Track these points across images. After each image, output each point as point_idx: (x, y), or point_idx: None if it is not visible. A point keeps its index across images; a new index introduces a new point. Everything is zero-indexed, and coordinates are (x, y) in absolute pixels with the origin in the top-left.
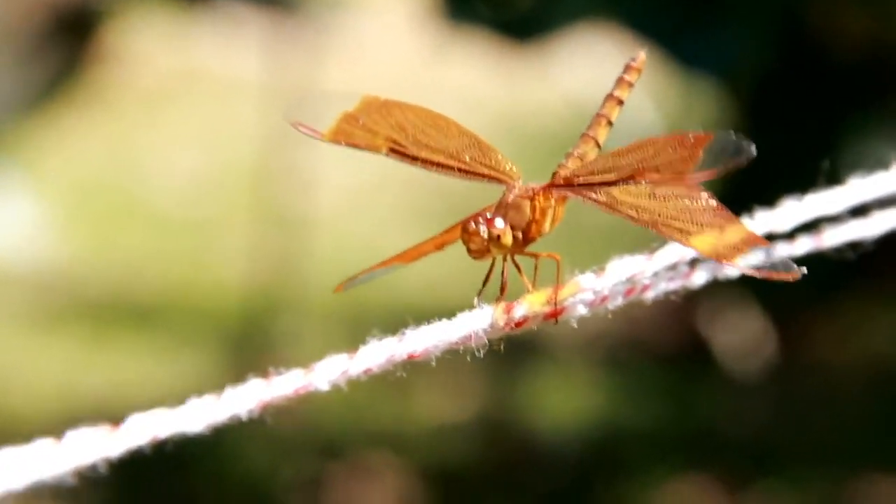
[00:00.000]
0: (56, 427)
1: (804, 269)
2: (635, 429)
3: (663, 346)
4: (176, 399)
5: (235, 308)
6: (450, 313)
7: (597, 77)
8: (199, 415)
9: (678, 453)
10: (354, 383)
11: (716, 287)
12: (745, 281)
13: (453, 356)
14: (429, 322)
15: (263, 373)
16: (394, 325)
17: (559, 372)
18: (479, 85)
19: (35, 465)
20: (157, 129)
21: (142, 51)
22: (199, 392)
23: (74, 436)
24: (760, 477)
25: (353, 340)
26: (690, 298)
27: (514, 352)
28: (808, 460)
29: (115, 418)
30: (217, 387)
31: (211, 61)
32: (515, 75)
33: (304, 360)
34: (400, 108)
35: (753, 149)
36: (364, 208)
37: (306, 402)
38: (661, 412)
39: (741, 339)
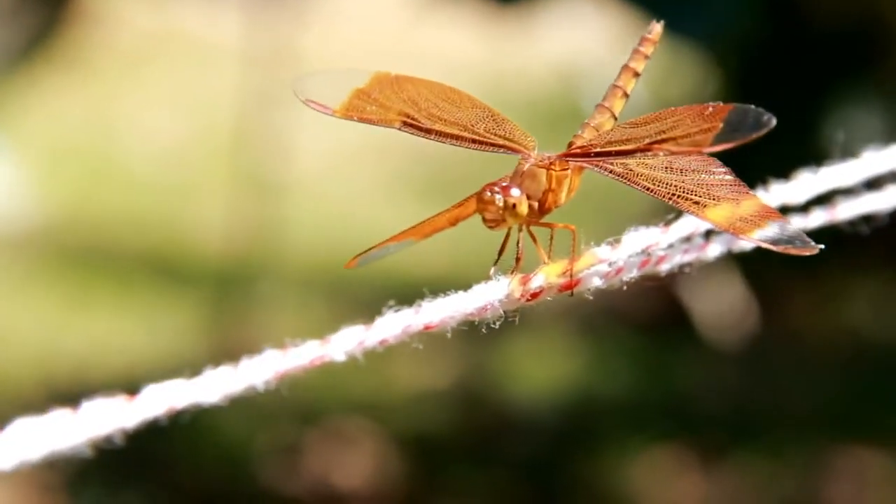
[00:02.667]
0: (33, 387)
1: (822, 245)
2: (612, 398)
3: (641, 314)
4: (152, 362)
5: (213, 272)
6: (422, 280)
7: (580, 42)
8: (215, 386)
9: (655, 422)
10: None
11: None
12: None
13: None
14: (445, 293)
15: (279, 344)
16: (375, 290)
17: (536, 340)
18: (462, 49)
19: (51, 435)
20: (136, 91)
21: (121, 12)
22: (177, 355)
23: (90, 406)
24: (737, 446)
25: (328, 304)
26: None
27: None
28: (785, 430)
29: (92, 380)
30: (194, 350)
31: (191, 24)
32: (499, 40)
33: (280, 324)
34: (412, 83)
35: (773, 120)
36: (342, 173)
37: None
38: (637, 381)
39: (720, 308)
